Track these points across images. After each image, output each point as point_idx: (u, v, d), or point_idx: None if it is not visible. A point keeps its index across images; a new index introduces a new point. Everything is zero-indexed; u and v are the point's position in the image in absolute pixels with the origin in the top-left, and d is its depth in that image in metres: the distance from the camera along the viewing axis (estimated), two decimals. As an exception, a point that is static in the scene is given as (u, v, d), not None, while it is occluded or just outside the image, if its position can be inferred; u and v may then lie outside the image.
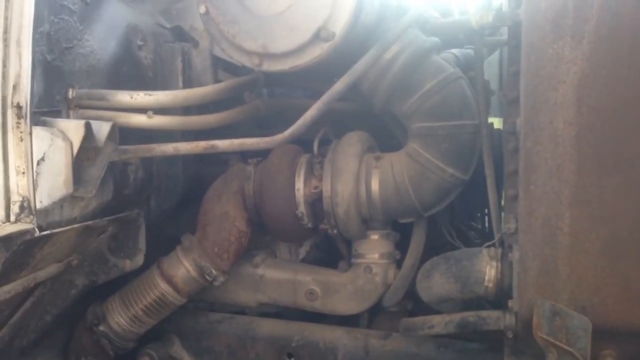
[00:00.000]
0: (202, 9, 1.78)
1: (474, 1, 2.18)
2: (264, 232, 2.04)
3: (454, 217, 2.16)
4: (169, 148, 1.74)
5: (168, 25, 2.08)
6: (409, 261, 1.91)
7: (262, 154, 2.02)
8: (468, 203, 2.16)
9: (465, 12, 2.29)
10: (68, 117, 1.69)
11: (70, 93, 1.71)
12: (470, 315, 1.59)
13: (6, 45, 1.51)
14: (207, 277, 1.91)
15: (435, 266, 1.70)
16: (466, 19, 1.88)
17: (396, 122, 1.96)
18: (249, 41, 1.73)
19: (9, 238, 1.43)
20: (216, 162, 2.12)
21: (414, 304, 1.97)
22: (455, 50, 2.10)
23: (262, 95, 2.17)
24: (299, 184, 1.86)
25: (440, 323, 1.65)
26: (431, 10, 2.01)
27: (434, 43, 1.84)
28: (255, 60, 1.75)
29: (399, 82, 1.78)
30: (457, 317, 1.62)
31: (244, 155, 2.08)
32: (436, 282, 1.68)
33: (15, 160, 1.51)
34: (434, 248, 1.96)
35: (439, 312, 1.73)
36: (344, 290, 1.94)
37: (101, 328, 1.92)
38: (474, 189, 1.91)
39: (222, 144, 1.75)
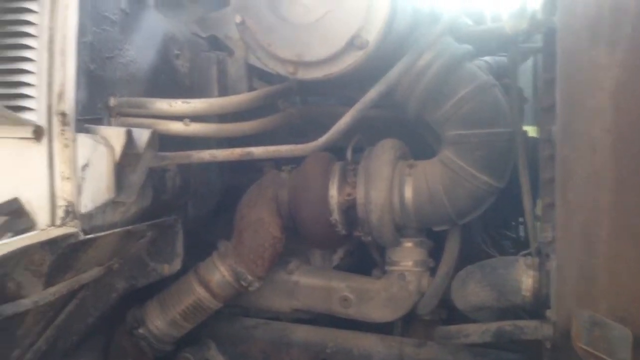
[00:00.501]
0: (238, 19, 1.80)
1: (508, 8, 2.17)
2: (298, 239, 2.06)
3: (487, 226, 2.15)
4: (206, 155, 1.78)
5: (204, 35, 2.12)
6: (443, 269, 1.90)
7: (295, 162, 2.04)
8: (501, 211, 2.15)
9: (497, 19, 2.29)
10: (109, 124, 1.74)
11: (112, 101, 1.76)
12: (507, 325, 1.58)
13: (51, 55, 1.57)
14: (243, 283, 1.93)
15: (471, 274, 1.70)
16: (499, 26, 1.89)
17: (429, 130, 1.96)
18: (283, 50, 1.75)
19: (54, 241, 1.48)
20: (251, 169, 2.15)
21: (448, 312, 1.96)
22: (487, 58, 2.10)
23: (295, 103, 2.20)
24: (333, 191, 1.88)
25: (476, 332, 1.63)
26: (464, 18, 2.02)
27: (467, 50, 1.84)
28: (290, 68, 1.77)
29: (432, 89, 1.79)
30: (493, 326, 1.60)
31: (278, 163, 2.11)
32: (472, 291, 1.67)
33: (60, 166, 1.56)
34: (467, 257, 1.95)
35: (474, 321, 1.73)
36: (378, 298, 1.94)
37: (141, 331, 1.96)
38: (507, 197, 1.90)
39: (258, 151, 1.78)
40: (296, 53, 1.74)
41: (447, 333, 1.73)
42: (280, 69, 1.79)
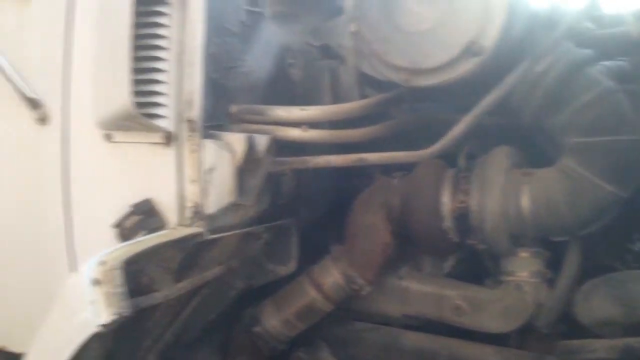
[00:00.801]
0: (353, 28, 1.85)
1: (632, 11, 2.07)
2: (409, 246, 2.06)
3: (609, 237, 2.04)
4: (321, 160, 1.83)
5: (317, 44, 2.18)
6: (563, 281, 1.82)
7: (404, 169, 2.05)
8: (623, 223, 2.03)
9: (620, 22, 2.18)
10: (230, 131, 1.83)
11: (233, 108, 1.85)
12: (635, 342, 1.50)
13: (181, 66, 1.68)
14: (354, 286, 1.96)
15: (596, 288, 1.63)
16: (624, 30, 1.80)
17: (546, 137, 1.90)
18: (398, 57, 1.77)
19: (183, 240, 1.57)
20: (360, 175, 2.18)
21: (565, 326, 1.88)
22: (608, 63, 2.01)
23: (407, 110, 2.20)
24: (445, 198, 1.86)
25: (602, 348, 1.56)
26: (584, 22, 1.95)
27: (587, 56, 1.77)
28: (405, 75, 1.79)
29: (551, 95, 1.74)
30: (620, 342, 1.53)
31: (387, 170, 2.12)
32: (598, 305, 1.60)
33: (188, 170, 1.66)
34: (588, 269, 1.87)
35: (594, 336, 1.65)
36: (493, 308, 1.89)
37: (257, 329, 2.03)
38: (630, 208, 1.80)
39: (372, 157, 1.81)
40: (411, 60, 1.75)
41: (570, 348, 1.66)
42: (395, 77, 1.81)
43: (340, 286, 1.97)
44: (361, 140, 1.93)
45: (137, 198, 1.68)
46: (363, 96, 2.09)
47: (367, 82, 2.11)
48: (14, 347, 1.89)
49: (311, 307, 1.99)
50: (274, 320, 2.03)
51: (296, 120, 1.85)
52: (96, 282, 1.34)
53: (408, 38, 1.75)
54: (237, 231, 1.73)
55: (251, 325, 2.02)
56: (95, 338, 1.32)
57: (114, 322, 1.30)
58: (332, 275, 1.97)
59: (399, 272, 2.08)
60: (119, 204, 1.69)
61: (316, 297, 1.98)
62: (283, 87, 2.02)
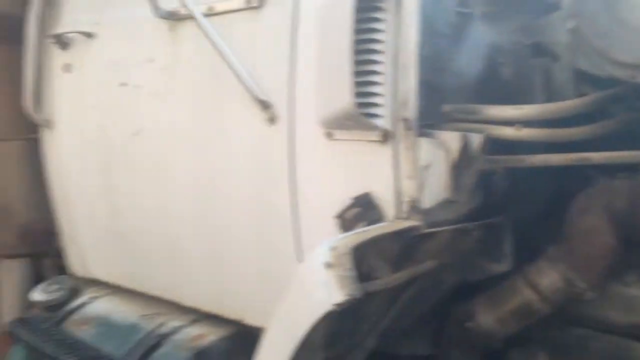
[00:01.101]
0: (571, 24, 1.79)
1: None
2: (636, 251, 1.93)
3: None
4: (538, 159, 1.79)
5: (527, 42, 2.13)
6: None
7: (625, 170, 1.92)
8: None
9: None
10: (443, 129, 1.87)
11: (446, 108, 1.89)
12: None
13: (396, 68, 1.76)
14: (575, 290, 1.88)
15: None
16: None
17: None
18: (623, 53, 1.67)
19: (401, 232, 1.65)
20: (577, 176, 2.08)
21: None
22: None
23: (627, 109, 2.06)
24: (683, 202, 1.72)
25: None
26: None
27: None
28: (630, 72, 1.69)
29: None
30: None
31: (606, 170, 2.00)
32: None
33: (404, 166, 1.74)
34: None
35: None
36: None
37: (470, 325, 2.04)
38: None
39: (596, 157, 1.73)
40: (637, 56, 1.65)
41: None
42: (619, 73, 1.71)
43: (559, 288, 1.89)
44: (581, 139, 1.85)
45: (356, 192, 1.80)
46: (579, 94, 2.01)
47: (584, 80, 2.02)
48: (248, 320, 2.15)
49: (527, 307, 1.94)
50: (488, 317, 2.01)
51: (511, 119, 1.83)
52: (328, 266, 1.46)
53: (635, 33, 1.66)
54: (450, 227, 1.77)
55: (465, 320, 2.04)
56: (327, 317, 1.45)
57: (346, 303, 1.41)
58: (549, 276, 1.90)
59: (625, 279, 1.95)
60: (340, 197, 1.82)
61: (532, 298, 1.92)
62: (494, 87, 2.02)
